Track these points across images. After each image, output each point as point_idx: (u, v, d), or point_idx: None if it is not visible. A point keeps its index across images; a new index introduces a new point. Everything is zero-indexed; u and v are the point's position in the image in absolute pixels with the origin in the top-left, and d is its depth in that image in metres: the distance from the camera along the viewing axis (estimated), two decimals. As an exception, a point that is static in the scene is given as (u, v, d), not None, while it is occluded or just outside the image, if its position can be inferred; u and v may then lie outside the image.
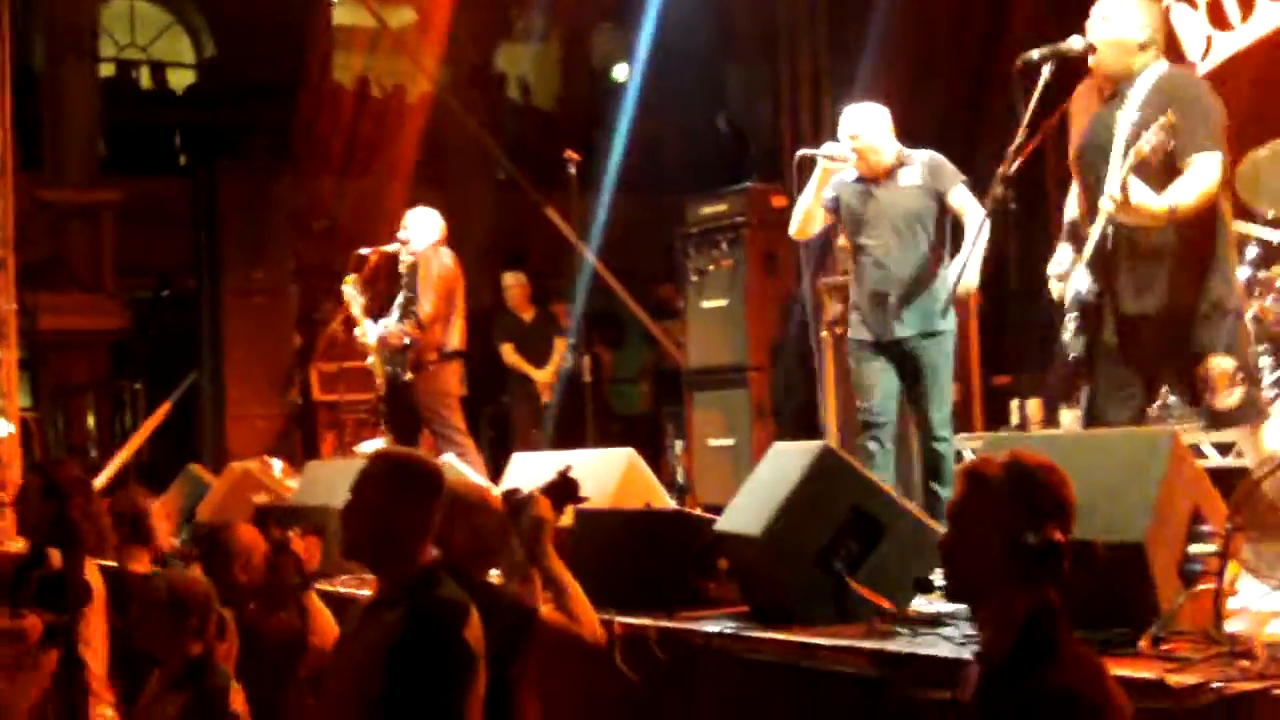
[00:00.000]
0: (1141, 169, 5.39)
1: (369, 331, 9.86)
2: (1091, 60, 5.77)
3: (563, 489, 4.98)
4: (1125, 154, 5.43)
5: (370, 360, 10.00)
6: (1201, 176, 5.49)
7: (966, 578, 3.35)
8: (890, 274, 7.40)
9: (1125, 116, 5.59)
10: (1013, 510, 3.25)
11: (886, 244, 7.43)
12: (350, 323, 10.19)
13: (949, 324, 7.34)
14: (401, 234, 9.82)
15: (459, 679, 3.80)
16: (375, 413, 10.73)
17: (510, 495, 4.82)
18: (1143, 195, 5.39)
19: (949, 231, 7.39)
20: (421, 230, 9.80)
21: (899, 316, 7.37)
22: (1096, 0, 5.82)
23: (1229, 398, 5.59)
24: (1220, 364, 5.57)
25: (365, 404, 11.29)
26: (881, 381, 7.39)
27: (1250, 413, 5.66)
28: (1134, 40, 5.72)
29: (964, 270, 6.96)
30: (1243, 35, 8.79)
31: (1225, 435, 6.91)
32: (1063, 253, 5.98)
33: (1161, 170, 5.46)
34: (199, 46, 21.01)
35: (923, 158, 7.49)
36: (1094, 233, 5.58)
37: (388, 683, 3.76)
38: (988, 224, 7.06)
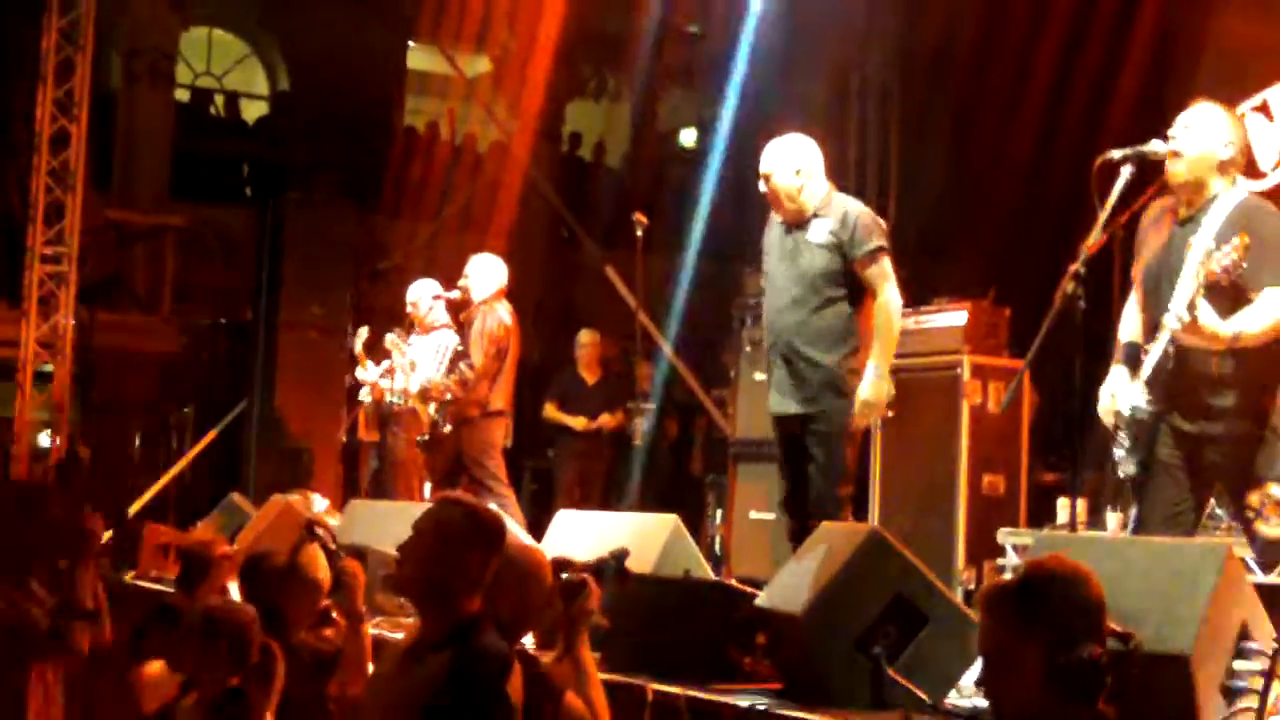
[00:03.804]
0: (1211, 290, 5.32)
1: (413, 380, 9.95)
2: (1169, 171, 5.69)
3: (615, 571, 4.95)
4: (1196, 275, 5.36)
5: (365, 399, 10.17)
6: (1269, 310, 5.41)
7: (1012, 709, 3.28)
8: (778, 340, 6.95)
9: (1199, 240, 5.44)
10: (1041, 632, 3.18)
11: (779, 304, 6.94)
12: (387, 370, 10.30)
13: (839, 404, 6.76)
14: (463, 281, 9.85)
15: None
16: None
17: (565, 577, 4.78)
18: (1209, 318, 5.32)
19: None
20: (483, 279, 9.80)
21: (782, 389, 6.95)
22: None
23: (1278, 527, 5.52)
24: (1275, 492, 5.50)
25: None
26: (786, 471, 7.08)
27: None
28: (1216, 157, 5.63)
29: (862, 386, 6.66)
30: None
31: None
32: (1118, 374, 5.80)
33: (1229, 295, 5.39)
34: (273, 79, 21.23)
35: (842, 210, 6.86)
36: (1155, 350, 5.52)
37: None
38: (894, 316, 6.78)
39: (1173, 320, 5.37)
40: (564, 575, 4.74)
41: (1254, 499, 5.52)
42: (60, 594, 5.30)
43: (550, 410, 12.82)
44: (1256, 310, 5.42)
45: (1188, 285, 5.35)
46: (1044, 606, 3.20)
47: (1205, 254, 5.32)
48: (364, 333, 10.61)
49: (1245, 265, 5.24)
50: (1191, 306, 5.28)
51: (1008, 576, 3.72)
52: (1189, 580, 4.48)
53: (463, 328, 9.94)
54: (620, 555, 4.96)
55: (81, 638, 5.24)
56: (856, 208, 6.94)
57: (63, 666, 5.57)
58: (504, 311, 9.69)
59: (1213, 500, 6.07)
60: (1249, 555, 6.57)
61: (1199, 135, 5.64)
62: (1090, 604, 3.24)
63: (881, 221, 7.01)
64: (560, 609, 4.69)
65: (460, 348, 9.87)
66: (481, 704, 3.79)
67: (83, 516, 5.32)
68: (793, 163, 6.92)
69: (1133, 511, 5.78)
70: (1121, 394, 5.72)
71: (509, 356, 9.66)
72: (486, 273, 9.83)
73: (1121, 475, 5.72)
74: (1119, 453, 5.72)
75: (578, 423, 12.56)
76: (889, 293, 6.80)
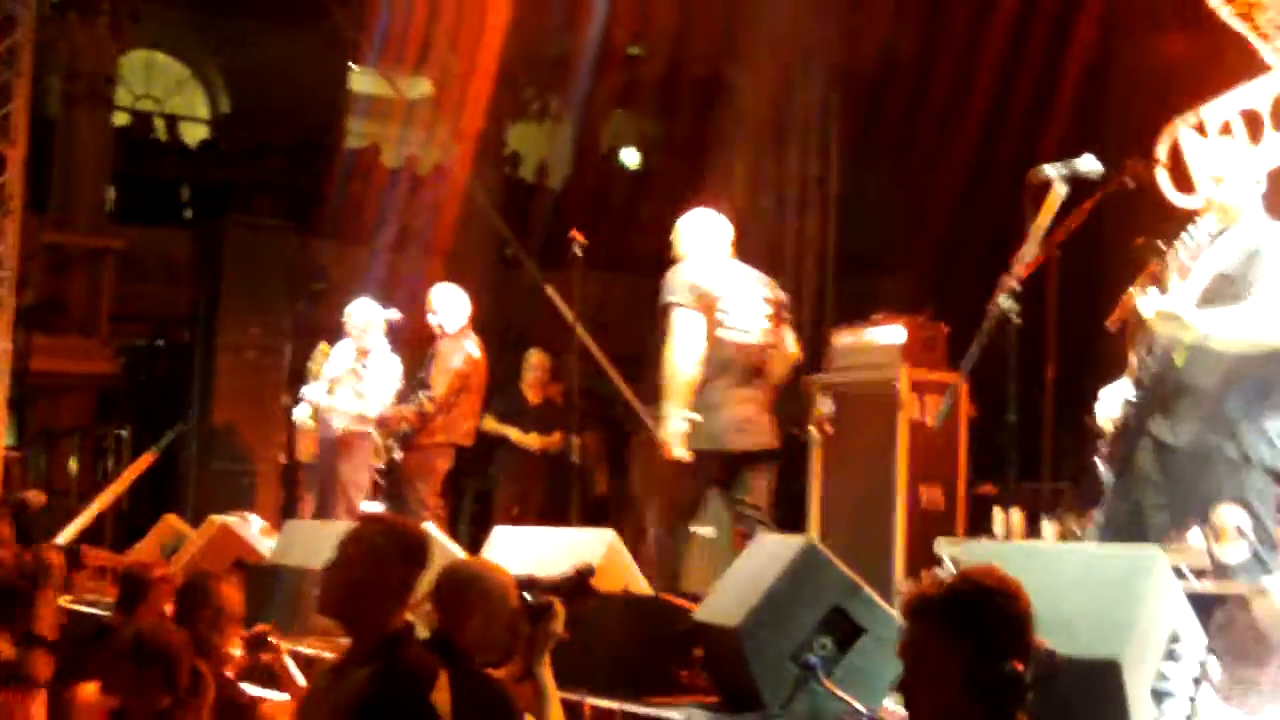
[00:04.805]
0: (1200, 290, 5.37)
1: (369, 406, 9.90)
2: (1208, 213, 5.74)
3: (578, 587, 4.92)
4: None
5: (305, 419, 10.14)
6: (1246, 316, 5.42)
7: (928, 717, 3.26)
8: None
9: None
10: (965, 643, 3.15)
11: None
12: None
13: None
14: (431, 318, 9.84)
15: None
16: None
17: (531, 598, 4.74)
18: (1177, 304, 5.36)
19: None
20: (452, 312, 9.84)
21: None
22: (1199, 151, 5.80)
23: (1232, 551, 5.49)
24: (1230, 514, 5.48)
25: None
26: None
27: (1254, 572, 5.51)
28: (1252, 197, 5.70)
29: None
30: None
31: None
32: (1121, 383, 5.85)
33: (1226, 300, 5.43)
34: (214, 102, 21.17)
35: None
36: (1140, 351, 5.56)
37: None
38: (669, 364, 7.17)
39: (1146, 305, 5.40)
40: (527, 596, 4.71)
41: (1215, 519, 5.50)
42: (20, 625, 5.36)
43: (489, 422, 12.65)
44: (1234, 311, 5.44)
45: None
46: (969, 617, 3.17)
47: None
48: (324, 347, 10.50)
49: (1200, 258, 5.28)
50: (1163, 287, 5.32)
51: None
52: (1121, 587, 4.51)
53: (430, 358, 9.92)
54: (585, 572, 4.95)
55: (44, 668, 5.31)
56: (673, 270, 7.35)
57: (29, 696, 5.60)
58: (472, 345, 9.78)
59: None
60: (1181, 563, 6.57)
61: (1228, 184, 5.67)
62: (1017, 618, 3.21)
63: (686, 278, 7.34)
64: (525, 629, 4.66)
65: (422, 375, 9.87)
66: (404, 714, 3.78)
67: (41, 549, 5.39)
68: (695, 234, 7.49)
69: (1099, 518, 5.79)
70: (1112, 399, 5.77)
71: (472, 390, 9.70)
72: (454, 304, 9.87)
73: (1103, 483, 5.73)
74: (1099, 461, 5.75)
75: (514, 433, 12.39)
76: (669, 343, 7.21)
